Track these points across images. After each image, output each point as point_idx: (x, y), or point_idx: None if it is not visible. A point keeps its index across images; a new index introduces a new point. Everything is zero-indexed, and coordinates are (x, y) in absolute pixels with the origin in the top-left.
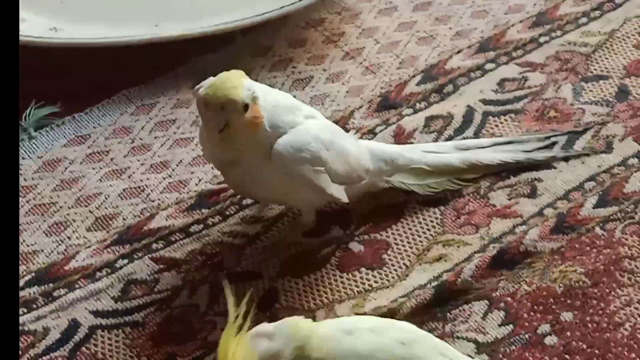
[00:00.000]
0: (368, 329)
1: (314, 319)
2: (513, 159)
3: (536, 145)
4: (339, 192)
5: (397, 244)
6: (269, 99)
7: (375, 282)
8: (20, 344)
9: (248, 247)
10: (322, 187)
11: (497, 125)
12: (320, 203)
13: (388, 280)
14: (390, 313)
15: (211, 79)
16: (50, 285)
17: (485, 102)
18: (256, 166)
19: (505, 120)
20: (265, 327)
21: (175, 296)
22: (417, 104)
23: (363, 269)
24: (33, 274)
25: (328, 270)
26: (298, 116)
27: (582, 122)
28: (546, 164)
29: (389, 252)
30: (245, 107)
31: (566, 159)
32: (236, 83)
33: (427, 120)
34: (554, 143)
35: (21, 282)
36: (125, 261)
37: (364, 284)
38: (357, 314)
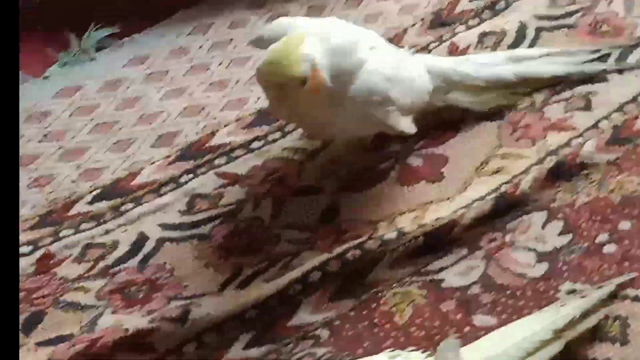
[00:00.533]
0: None
1: (376, 230)
2: (565, 72)
3: (587, 57)
4: (408, 125)
5: (455, 158)
6: (329, 47)
7: (435, 194)
8: (90, 257)
9: (308, 162)
10: (393, 125)
11: (549, 40)
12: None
13: (447, 193)
14: (450, 224)
15: (270, 50)
16: (118, 200)
17: (538, 17)
18: (324, 116)
19: (558, 35)
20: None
21: (239, 210)
22: (470, 21)
23: (423, 182)
24: (100, 190)
25: (388, 183)
26: (361, 52)
27: (635, 36)
28: (600, 78)
29: (447, 166)
30: (304, 80)
31: (620, 72)
32: (292, 58)
33: (480, 36)
34: (607, 55)
35: (89, 198)
36: (190, 176)
37: (424, 196)
38: (418, 225)
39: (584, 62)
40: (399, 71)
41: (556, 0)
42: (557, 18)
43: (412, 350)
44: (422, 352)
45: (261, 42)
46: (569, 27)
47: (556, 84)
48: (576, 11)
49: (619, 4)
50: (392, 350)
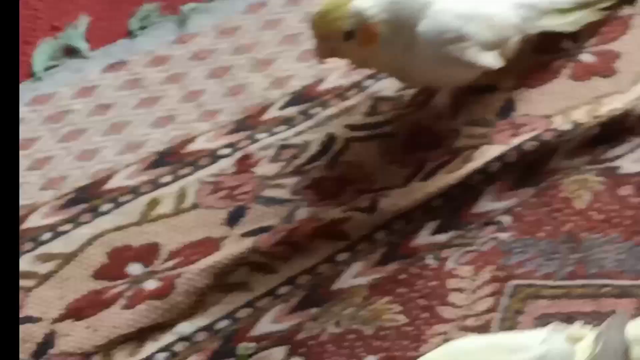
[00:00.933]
0: None
1: (551, 123)
2: None
3: None
4: (491, 59)
5: (627, 53)
6: None
7: (608, 88)
8: (284, 156)
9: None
10: (471, 62)
11: None
12: (471, 78)
13: (621, 87)
14: (624, 114)
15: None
16: (306, 104)
17: None
18: (393, 65)
19: None
20: None
21: (420, 109)
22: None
23: (595, 77)
24: (290, 96)
25: (561, 79)
26: None
27: None
28: None
29: (619, 61)
30: (349, 34)
31: None
32: (339, 12)
33: None
34: None
35: (280, 103)
36: (372, 81)
37: (597, 90)
38: (593, 116)
39: None
40: (476, 7)
41: None
42: None
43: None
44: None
45: None
46: None
47: None
48: None
49: None
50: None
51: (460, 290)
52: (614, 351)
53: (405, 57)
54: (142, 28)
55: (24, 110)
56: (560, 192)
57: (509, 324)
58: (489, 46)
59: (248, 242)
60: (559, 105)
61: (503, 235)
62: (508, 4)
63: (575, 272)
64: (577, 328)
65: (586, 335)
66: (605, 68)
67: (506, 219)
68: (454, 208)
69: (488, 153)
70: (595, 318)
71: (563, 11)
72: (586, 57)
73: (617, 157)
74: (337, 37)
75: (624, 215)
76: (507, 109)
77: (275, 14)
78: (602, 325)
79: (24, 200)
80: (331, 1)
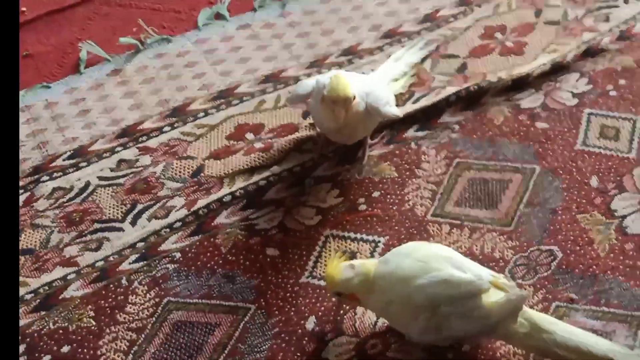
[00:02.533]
0: (404, 254)
1: None
2: None
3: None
4: (399, 111)
5: (530, 43)
6: (360, 86)
7: (519, 61)
8: None
9: None
10: (395, 114)
11: None
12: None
13: (526, 60)
14: (526, 75)
15: (331, 81)
16: None
17: None
18: (355, 121)
19: None
20: (353, 262)
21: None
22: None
23: (512, 55)
24: None
25: (494, 55)
26: (370, 86)
27: None
28: None
29: (526, 46)
30: (354, 97)
31: None
32: (347, 82)
33: None
34: None
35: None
36: None
37: (513, 61)
38: (510, 75)
39: None
40: (385, 79)
41: None
42: None
43: None
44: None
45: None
46: None
47: None
48: None
49: None
50: None
51: (428, 162)
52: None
53: (359, 117)
54: (261, 7)
55: (190, 47)
56: (487, 115)
57: (452, 181)
58: (393, 104)
59: (313, 130)
60: (490, 68)
61: (454, 135)
62: (381, 78)
63: (490, 157)
64: (502, 279)
65: (503, 287)
66: (518, 50)
67: (456, 127)
68: (428, 118)
69: (449, 89)
70: (499, 183)
71: (396, 79)
72: (509, 44)
73: (521, 98)
74: (351, 99)
75: (520, 128)
76: (463, 67)
77: None
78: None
79: (189, 93)
80: (338, 80)
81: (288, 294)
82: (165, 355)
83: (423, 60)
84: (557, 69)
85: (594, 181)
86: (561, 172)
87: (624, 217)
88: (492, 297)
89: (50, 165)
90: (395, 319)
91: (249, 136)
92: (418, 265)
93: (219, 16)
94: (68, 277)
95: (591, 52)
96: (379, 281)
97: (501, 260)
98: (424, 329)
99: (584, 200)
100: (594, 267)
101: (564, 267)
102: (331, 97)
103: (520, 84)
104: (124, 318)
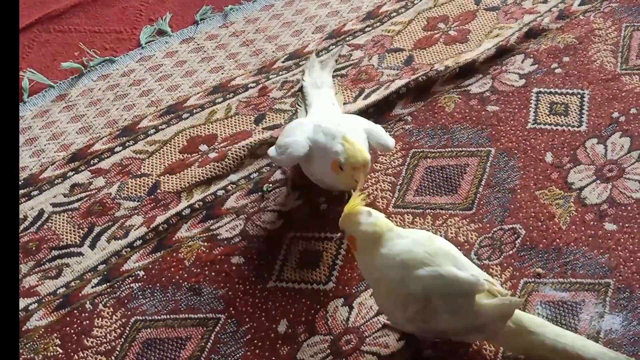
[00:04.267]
0: (419, 241)
1: None
2: None
3: None
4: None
5: (473, 30)
6: (358, 129)
7: (464, 48)
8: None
9: None
10: (393, 143)
11: None
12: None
13: (470, 47)
14: (472, 61)
15: (345, 148)
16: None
17: None
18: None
19: None
20: (374, 211)
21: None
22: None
23: (457, 43)
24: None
25: (439, 45)
26: (357, 122)
27: None
28: None
29: (470, 34)
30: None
31: None
32: (362, 146)
33: None
34: None
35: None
36: None
37: (458, 49)
38: (456, 62)
39: None
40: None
41: None
42: None
43: None
44: None
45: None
46: None
47: None
48: None
49: None
50: None
51: (385, 155)
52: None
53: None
54: (202, 19)
55: (134, 65)
56: (438, 104)
57: (410, 171)
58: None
59: (267, 134)
60: (437, 58)
61: (407, 127)
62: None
63: (445, 144)
64: (497, 286)
65: (496, 294)
66: (462, 38)
67: (408, 119)
68: (380, 112)
69: (399, 82)
70: (456, 168)
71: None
72: (452, 32)
73: (469, 84)
74: (369, 162)
75: (472, 113)
76: (409, 60)
77: None
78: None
79: (137, 111)
80: (353, 143)
81: (257, 300)
82: None
83: (336, 61)
84: (502, 53)
85: (548, 157)
86: (516, 151)
87: (581, 189)
88: (484, 300)
89: None
90: (380, 297)
91: (203, 148)
92: (424, 257)
93: (161, 32)
94: (30, 308)
95: (533, 33)
96: (384, 250)
97: (466, 244)
98: (411, 319)
99: (541, 177)
100: (557, 240)
101: (528, 243)
102: (352, 164)
103: (468, 70)
104: (92, 342)
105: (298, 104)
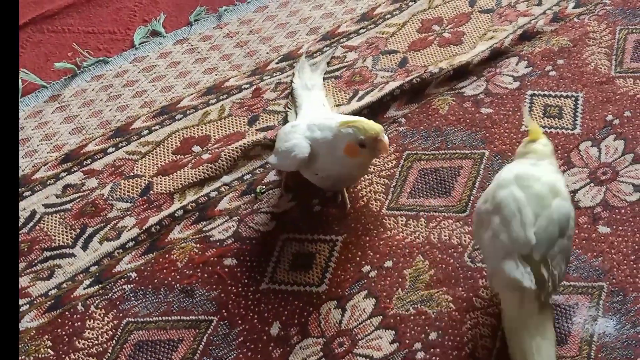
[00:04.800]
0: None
1: None
2: None
3: None
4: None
5: (468, 32)
6: None
7: (458, 51)
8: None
9: None
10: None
11: None
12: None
13: (465, 50)
14: (466, 64)
15: (356, 127)
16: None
17: None
18: (359, 168)
19: None
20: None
21: None
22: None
23: (451, 45)
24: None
25: (433, 47)
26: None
27: None
28: None
29: (464, 36)
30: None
31: None
32: (365, 119)
33: None
34: None
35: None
36: None
37: (452, 51)
38: (450, 65)
39: None
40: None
41: None
42: None
43: None
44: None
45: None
46: None
47: None
48: None
49: None
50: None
51: (378, 157)
52: None
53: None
54: (196, 20)
55: (128, 66)
56: (432, 106)
57: (404, 173)
58: None
59: (260, 136)
60: (431, 60)
61: (401, 128)
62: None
63: (439, 147)
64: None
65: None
66: (457, 40)
67: (402, 120)
68: (374, 114)
69: (393, 84)
70: (450, 170)
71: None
72: (447, 35)
73: (463, 87)
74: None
75: (466, 115)
76: (403, 62)
77: None
78: None
79: (131, 112)
80: (361, 119)
81: (250, 302)
82: None
83: (328, 63)
84: (497, 55)
85: None
86: (510, 154)
87: (575, 191)
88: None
89: None
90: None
91: (196, 149)
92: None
93: (155, 33)
94: (21, 309)
95: (528, 36)
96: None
97: (460, 246)
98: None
99: None
100: None
101: None
102: (372, 136)
103: (462, 72)
104: (83, 344)
105: (288, 107)
